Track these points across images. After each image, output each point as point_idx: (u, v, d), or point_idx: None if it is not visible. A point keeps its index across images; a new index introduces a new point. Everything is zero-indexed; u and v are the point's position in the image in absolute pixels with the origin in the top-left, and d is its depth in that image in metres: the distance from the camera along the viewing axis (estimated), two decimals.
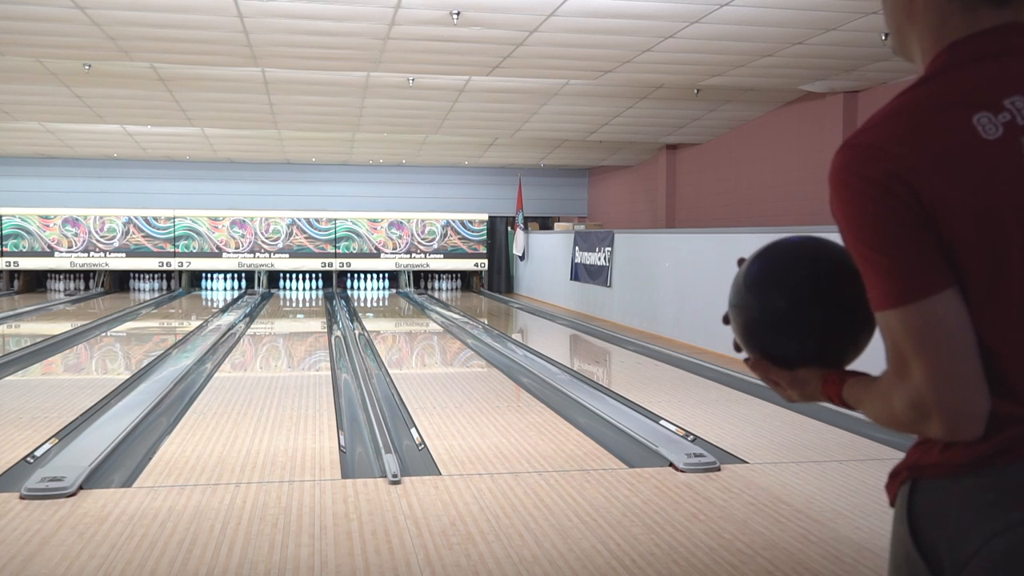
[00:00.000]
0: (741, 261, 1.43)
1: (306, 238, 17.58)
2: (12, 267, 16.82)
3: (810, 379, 1.32)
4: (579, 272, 13.88)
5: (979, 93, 1.10)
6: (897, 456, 4.90)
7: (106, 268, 17.17)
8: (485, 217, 18.17)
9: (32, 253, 16.81)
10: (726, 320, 1.42)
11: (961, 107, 1.09)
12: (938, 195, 1.06)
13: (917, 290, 1.07)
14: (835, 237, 1.29)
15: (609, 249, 12.50)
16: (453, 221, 18.02)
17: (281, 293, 17.53)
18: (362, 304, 15.68)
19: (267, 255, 17.50)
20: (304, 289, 17.92)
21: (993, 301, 1.08)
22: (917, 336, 1.07)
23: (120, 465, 4.75)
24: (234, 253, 17.42)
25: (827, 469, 4.67)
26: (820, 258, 1.33)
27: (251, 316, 13.07)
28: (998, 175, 1.06)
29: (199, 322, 12.20)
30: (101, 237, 16.98)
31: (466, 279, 18.81)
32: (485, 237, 18.19)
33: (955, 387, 1.06)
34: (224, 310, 14.01)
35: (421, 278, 18.51)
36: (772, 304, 1.33)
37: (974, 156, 1.06)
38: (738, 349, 1.42)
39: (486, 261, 18.25)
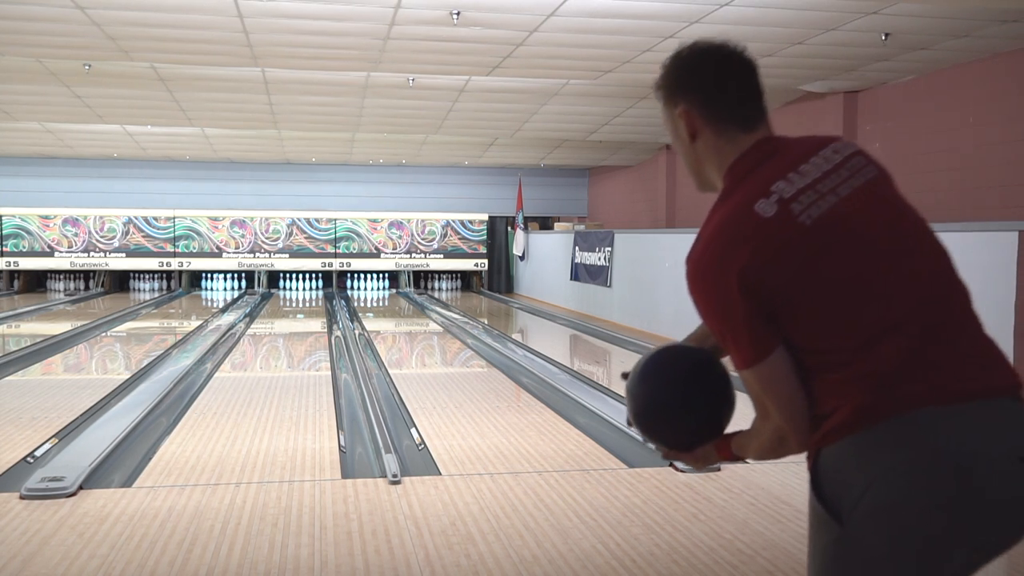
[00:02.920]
0: (625, 375, 1.82)
1: (306, 238, 17.58)
2: (12, 267, 16.82)
3: (709, 453, 1.77)
4: (579, 272, 13.88)
5: (757, 190, 1.53)
6: None
7: (106, 268, 17.17)
8: (485, 217, 18.16)
9: (32, 253, 16.81)
10: (630, 423, 1.80)
11: (749, 205, 1.51)
12: (755, 276, 1.47)
13: (759, 353, 1.49)
14: None
15: (609, 249, 12.50)
16: (453, 221, 18.02)
17: (281, 293, 17.53)
18: (362, 304, 15.68)
19: (267, 255, 17.50)
20: (304, 289, 17.92)
21: (811, 335, 1.49)
22: (767, 386, 1.51)
23: (120, 465, 4.75)
24: (234, 253, 17.42)
25: None
26: (694, 360, 1.78)
27: (251, 316, 13.07)
28: (785, 240, 1.48)
29: (199, 322, 12.20)
30: (101, 237, 16.98)
31: (466, 279, 18.81)
32: (485, 237, 18.18)
33: (797, 417, 1.52)
34: (224, 310, 14.01)
35: (421, 278, 18.51)
36: (662, 398, 1.75)
37: (765, 234, 1.48)
38: (631, 424, 1.80)
39: (486, 261, 18.25)
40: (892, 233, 1.53)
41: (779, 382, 1.49)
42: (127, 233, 17.04)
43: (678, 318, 10.06)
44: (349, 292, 17.79)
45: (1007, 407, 1.45)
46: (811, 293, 1.47)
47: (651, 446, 1.80)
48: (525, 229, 17.34)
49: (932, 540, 1.39)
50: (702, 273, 1.53)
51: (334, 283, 18.04)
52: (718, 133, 1.62)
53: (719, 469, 4.64)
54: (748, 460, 1.71)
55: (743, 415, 1.73)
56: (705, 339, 1.84)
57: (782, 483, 4.42)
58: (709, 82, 1.63)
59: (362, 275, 18.29)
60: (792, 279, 1.47)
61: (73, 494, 4.16)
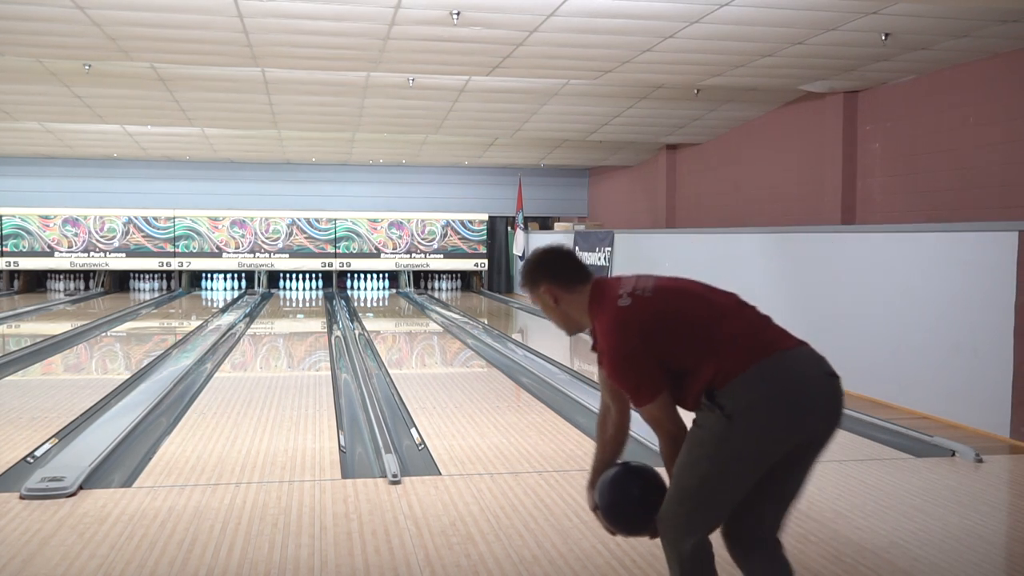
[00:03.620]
0: (596, 508, 2.66)
1: (306, 238, 17.58)
2: (12, 267, 16.83)
3: None
4: None
5: (614, 298, 2.49)
6: (896, 455, 4.93)
7: (106, 268, 17.18)
8: (485, 217, 18.17)
9: (32, 253, 16.82)
10: (613, 532, 2.68)
11: (615, 305, 2.46)
12: (649, 341, 2.39)
13: (656, 393, 2.41)
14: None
15: (609, 249, 12.50)
16: (453, 221, 18.02)
17: (281, 293, 17.53)
18: (362, 304, 15.68)
19: (267, 255, 17.50)
20: (304, 289, 17.93)
21: (686, 352, 2.41)
22: (661, 410, 2.44)
23: (120, 465, 4.75)
24: (234, 253, 17.43)
25: (827, 469, 4.66)
26: (644, 473, 2.63)
27: (251, 316, 13.07)
28: (647, 311, 2.43)
29: (199, 322, 12.20)
30: (101, 237, 16.98)
31: (466, 279, 18.81)
32: (485, 237, 18.19)
33: (678, 420, 2.47)
34: (224, 310, 14.01)
35: (421, 278, 18.51)
36: (631, 496, 2.60)
37: (635, 314, 2.42)
38: (613, 533, 2.70)
39: (486, 261, 18.25)
40: (696, 285, 2.56)
41: (667, 406, 2.44)
42: (127, 233, 17.04)
43: None
44: (349, 292, 17.79)
45: (808, 351, 2.42)
46: (676, 330, 2.42)
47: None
48: (525, 229, 17.33)
49: (781, 426, 2.31)
50: (622, 361, 2.43)
51: (334, 283, 18.05)
52: (571, 291, 2.61)
53: None
54: None
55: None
56: (614, 455, 2.71)
57: None
58: (556, 268, 2.63)
59: (362, 275, 18.30)
60: (665, 330, 2.41)
61: (73, 494, 4.16)
